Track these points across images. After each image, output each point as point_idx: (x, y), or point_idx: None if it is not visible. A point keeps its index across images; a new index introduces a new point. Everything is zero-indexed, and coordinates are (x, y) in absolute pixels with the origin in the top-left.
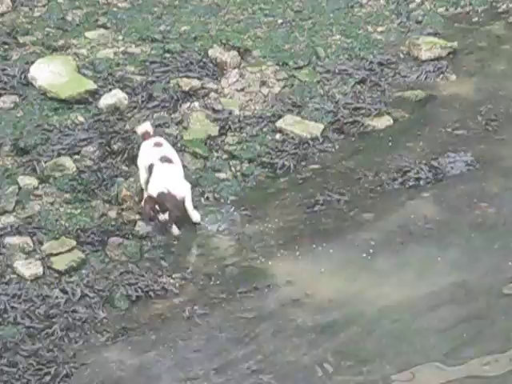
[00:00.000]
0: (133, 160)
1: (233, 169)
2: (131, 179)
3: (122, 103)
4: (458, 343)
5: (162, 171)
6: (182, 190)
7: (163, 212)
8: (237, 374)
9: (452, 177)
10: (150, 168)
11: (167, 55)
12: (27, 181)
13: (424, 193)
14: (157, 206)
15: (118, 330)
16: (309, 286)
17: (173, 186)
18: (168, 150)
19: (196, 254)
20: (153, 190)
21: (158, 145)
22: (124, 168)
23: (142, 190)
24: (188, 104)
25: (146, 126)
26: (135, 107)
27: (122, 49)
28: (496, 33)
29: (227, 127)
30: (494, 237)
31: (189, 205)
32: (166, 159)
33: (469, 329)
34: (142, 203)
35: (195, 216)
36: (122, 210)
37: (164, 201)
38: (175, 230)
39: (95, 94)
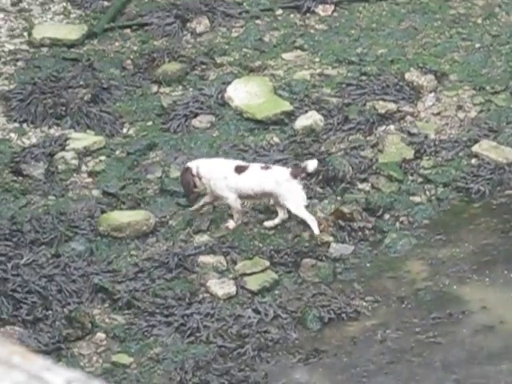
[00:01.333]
0: (327, 182)
1: (427, 193)
2: (325, 201)
3: (317, 125)
4: None
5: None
6: (220, 192)
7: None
8: None
9: None
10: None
11: (363, 78)
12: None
13: None
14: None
15: (309, 351)
16: (503, 312)
17: (204, 170)
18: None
19: (388, 277)
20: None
21: (266, 168)
22: (318, 190)
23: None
24: (384, 127)
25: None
26: (331, 129)
27: (318, 70)
28: None
29: (422, 151)
30: None
31: (233, 215)
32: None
33: None
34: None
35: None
36: None
37: (182, 173)
38: (231, 224)
39: (291, 116)
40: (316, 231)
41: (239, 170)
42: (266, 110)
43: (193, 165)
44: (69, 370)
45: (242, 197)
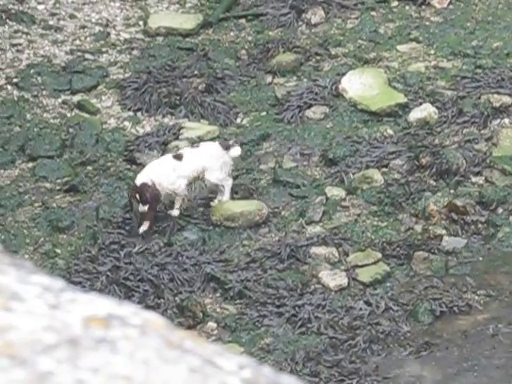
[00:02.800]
0: (441, 175)
1: None
2: (439, 194)
3: (431, 117)
4: None
5: (159, 161)
6: (169, 186)
7: (143, 203)
8: None
9: None
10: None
11: (479, 71)
12: (335, 192)
13: None
14: (137, 196)
15: (420, 344)
16: None
17: (158, 178)
18: (194, 151)
19: (501, 272)
20: (138, 177)
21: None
22: (432, 182)
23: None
24: (498, 120)
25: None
26: (445, 122)
27: (433, 63)
28: None
29: None
30: None
31: (177, 202)
32: (177, 155)
33: None
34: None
35: (175, 212)
36: (429, 224)
37: (145, 191)
38: (176, 211)
39: (405, 108)
40: (226, 197)
41: (178, 157)
42: (380, 101)
43: (146, 178)
44: (239, 356)
45: (190, 181)
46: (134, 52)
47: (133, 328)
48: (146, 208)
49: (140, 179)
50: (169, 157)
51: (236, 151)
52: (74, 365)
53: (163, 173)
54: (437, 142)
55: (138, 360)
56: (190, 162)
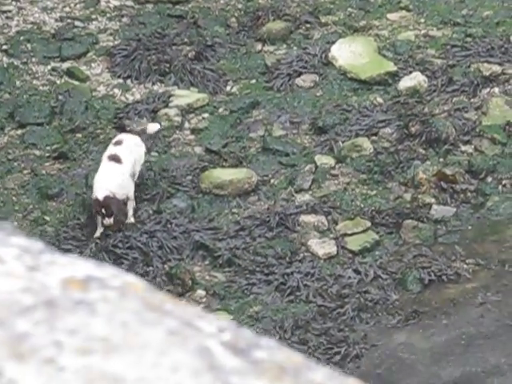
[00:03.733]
0: (430, 143)
1: None
2: (428, 162)
3: (421, 86)
4: None
5: (106, 170)
6: (124, 191)
7: (109, 216)
8: None
9: None
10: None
11: (468, 39)
12: (324, 160)
13: None
14: (103, 210)
15: (409, 312)
16: None
17: (116, 188)
18: (124, 149)
19: (491, 241)
20: (98, 192)
21: (117, 143)
22: (421, 151)
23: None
24: (488, 89)
25: (151, 127)
26: (434, 90)
27: (423, 31)
28: None
29: None
30: None
31: (130, 208)
32: (113, 157)
33: None
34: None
35: (132, 219)
36: (418, 193)
37: (110, 204)
38: (132, 219)
39: (395, 76)
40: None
41: (116, 160)
42: (369, 70)
43: (106, 192)
44: (219, 319)
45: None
46: (124, 19)
47: (112, 290)
48: (111, 220)
49: (101, 193)
50: (111, 163)
51: (154, 127)
52: (52, 326)
53: (116, 181)
54: (426, 110)
55: (116, 322)
56: (128, 161)
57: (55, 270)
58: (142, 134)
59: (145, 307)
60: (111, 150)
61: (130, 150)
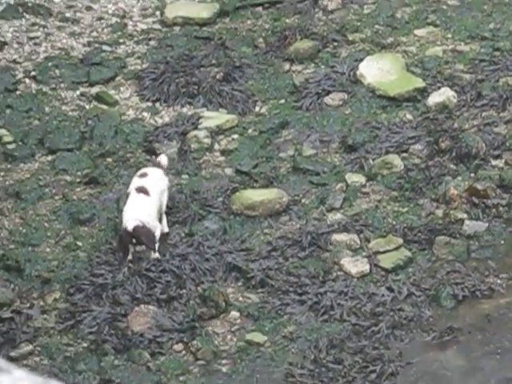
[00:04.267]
0: (461, 159)
1: None
2: (459, 178)
3: (450, 101)
4: None
5: (135, 201)
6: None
7: (140, 245)
8: None
9: None
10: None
11: (496, 53)
12: (355, 178)
13: None
14: (133, 241)
15: (443, 329)
16: None
17: (146, 218)
18: (150, 181)
19: None
20: (128, 222)
21: (142, 175)
22: (452, 167)
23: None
24: None
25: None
26: (464, 105)
27: (451, 47)
28: None
29: None
30: None
31: (156, 241)
32: (141, 190)
33: None
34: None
35: (156, 254)
36: (450, 208)
37: (140, 235)
38: (157, 254)
39: (424, 92)
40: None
41: (144, 192)
42: (398, 86)
43: (135, 222)
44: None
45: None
46: (152, 42)
47: None
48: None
49: (131, 224)
50: (140, 195)
51: (165, 159)
52: None
53: (146, 211)
54: (456, 125)
55: None
56: (155, 193)
57: None
58: (157, 167)
59: None
60: (137, 182)
61: (155, 182)
